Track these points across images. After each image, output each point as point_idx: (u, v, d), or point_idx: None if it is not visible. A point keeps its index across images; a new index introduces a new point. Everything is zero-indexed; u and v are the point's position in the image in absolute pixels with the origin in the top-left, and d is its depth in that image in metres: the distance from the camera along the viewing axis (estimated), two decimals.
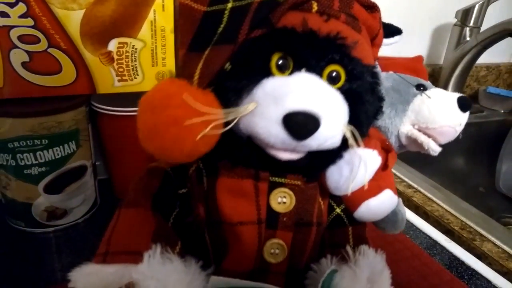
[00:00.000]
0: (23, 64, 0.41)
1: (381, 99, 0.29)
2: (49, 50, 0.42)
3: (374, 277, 0.29)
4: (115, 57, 0.45)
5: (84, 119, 0.45)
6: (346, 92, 0.26)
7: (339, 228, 0.32)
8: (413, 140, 0.36)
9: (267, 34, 0.24)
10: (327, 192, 0.31)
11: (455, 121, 0.34)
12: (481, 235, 0.52)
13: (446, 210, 0.57)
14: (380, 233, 0.37)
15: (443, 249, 0.49)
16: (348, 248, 0.30)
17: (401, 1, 0.88)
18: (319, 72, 0.25)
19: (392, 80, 0.36)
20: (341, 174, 0.28)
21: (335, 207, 0.33)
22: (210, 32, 0.25)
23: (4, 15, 0.39)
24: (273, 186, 0.28)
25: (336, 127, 0.25)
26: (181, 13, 0.26)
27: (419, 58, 0.39)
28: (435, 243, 0.50)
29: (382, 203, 0.32)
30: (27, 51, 0.41)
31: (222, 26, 0.25)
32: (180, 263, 0.24)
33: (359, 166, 0.27)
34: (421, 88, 0.36)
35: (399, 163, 0.69)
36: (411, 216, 0.55)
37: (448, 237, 0.52)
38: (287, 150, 0.25)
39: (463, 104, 0.34)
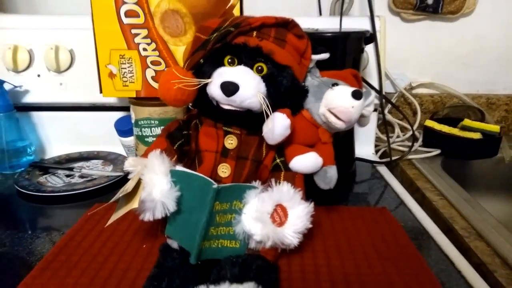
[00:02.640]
0: (152, 78, 0.72)
1: (296, 86, 0.46)
2: (166, 69, 0.71)
3: (284, 201, 0.44)
4: None
5: (181, 111, 0.73)
6: (267, 78, 0.45)
7: (276, 172, 0.49)
8: (326, 117, 0.50)
9: (222, 46, 0.46)
10: (273, 146, 0.48)
11: (346, 103, 0.48)
12: None
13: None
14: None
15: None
16: (273, 180, 0.46)
17: (497, 31, 0.90)
18: (251, 66, 0.46)
19: (319, 81, 0.52)
20: (266, 128, 0.46)
21: (276, 158, 0.49)
22: (201, 48, 0.48)
23: (144, 50, 0.71)
24: (226, 133, 0.48)
25: (251, 92, 0.44)
26: (193, 40, 0.50)
27: (350, 71, 0.55)
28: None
29: (306, 160, 0.48)
30: (154, 70, 0.71)
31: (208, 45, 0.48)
32: (166, 157, 0.45)
33: (274, 122, 0.45)
34: (334, 85, 0.51)
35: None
36: None
37: None
38: (226, 104, 0.45)
39: (354, 94, 0.48)
